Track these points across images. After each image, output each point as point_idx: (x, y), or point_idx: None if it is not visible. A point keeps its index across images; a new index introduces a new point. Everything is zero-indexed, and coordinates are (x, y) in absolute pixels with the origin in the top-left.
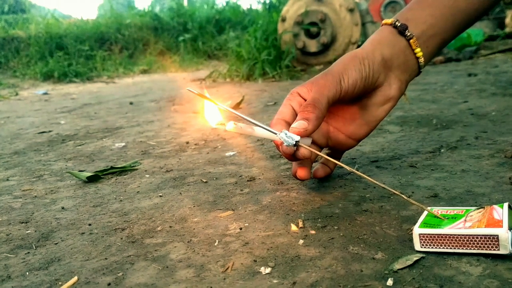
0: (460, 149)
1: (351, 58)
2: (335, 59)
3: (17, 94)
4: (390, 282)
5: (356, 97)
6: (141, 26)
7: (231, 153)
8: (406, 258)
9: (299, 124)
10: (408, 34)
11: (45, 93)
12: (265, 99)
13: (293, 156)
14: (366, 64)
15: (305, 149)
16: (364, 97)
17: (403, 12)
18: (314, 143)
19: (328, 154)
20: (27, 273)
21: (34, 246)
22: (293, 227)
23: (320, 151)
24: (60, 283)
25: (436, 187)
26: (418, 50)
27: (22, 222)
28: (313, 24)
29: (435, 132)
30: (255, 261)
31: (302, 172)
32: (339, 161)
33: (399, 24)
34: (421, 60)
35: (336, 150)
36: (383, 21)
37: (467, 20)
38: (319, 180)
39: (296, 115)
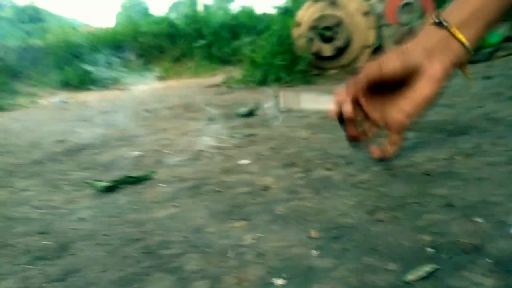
0: (476, 156)
1: (394, 50)
2: (349, 63)
3: (35, 103)
4: None
5: (400, 80)
6: (157, 33)
7: (245, 162)
8: (419, 269)
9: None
10: (445, 24)
11: (63, 101)
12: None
13: (339, 118)
14: (406, 53)
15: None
16: (411, 80)
17: (447, 7)
18: (369, 121)
19: (389, 138)
20: (45, 285)
21: (52, 257)
22: (307, 238)
23: (376, 128)
24: None
25: (450, 196)
26: (460, 36)
27: (41, 233)
28: (327, 28)
29: (450, 138)
30: (269, 272)
31: (350, 131)
32: (400, 142)
33: (437, 20)
34: (467, 43)
35: (391, 129)
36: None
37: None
38: (379, 161)
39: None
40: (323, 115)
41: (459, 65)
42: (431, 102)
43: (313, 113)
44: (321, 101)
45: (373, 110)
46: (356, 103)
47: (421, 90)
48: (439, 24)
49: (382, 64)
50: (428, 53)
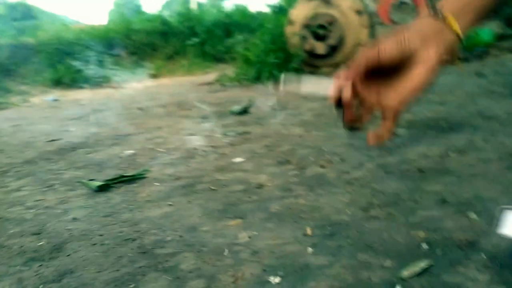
0: (469, 152)
1: (391, 36)
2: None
3: (27, 101)
4: None
5: (397, 64)
6: (150, 31)
7: (239, 160)
8: (415, 265)
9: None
10: (441, 15)
11: (55, 100)
12: (272, 103)
13: (337, 103)
14: (401, 36)
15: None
16: (407, 66)
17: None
18: (365, 106)
19: (383, 124)
20: (41, 286)
21: (47, 259)
22: (302, 235)
23: (371, 114)
24: None
25: (444, 192)
26: (455, 26)
27: (35, 234)
28: (321, 26)
29: (443, 135)
30: (264, 270)
31: (348, 116)
32: (394, 128)
33: (432, 11)
34: (460, 33)
35: (386, 115)
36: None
37: None
38: (375, 147)
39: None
40: (317, 112)
41: (451, 53)
42: (425, 87)
43: (313, 97)
44: (322, 85)
45: (369, 95)
46: (354, 88)
47: (417, 75)
48: (435, 14)
49: (380, 49)
50: (424, 40)
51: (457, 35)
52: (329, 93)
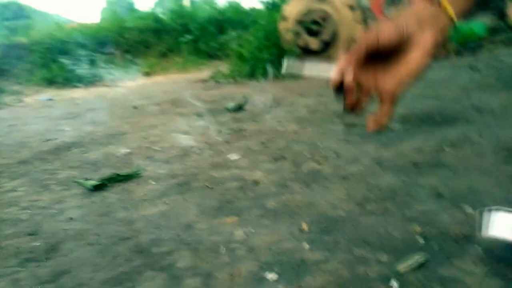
0: (463, 146)
1: (389, 20)
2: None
3: (21, 101)
4: (395, 284)
5: (394, 48)
6: (143, 28)
7: (235, 157)
8: (411, 260)
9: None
10: (437, 0)
11: (49, 99)
12: (267, 99)
13: (338, 87)
14: (399, 20)
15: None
16: (403, 49)
17: None
18: (363, 90)
19: (381, 108)
20: (36, 287)
21: (42, 259)
22: (298, 231)
23: (369, 98)
24: None
25: (439, 186)
26: (450, 11)
27: (31, 234)
28: (314, 22)
29: (437, 129)
30: (261, 267)
31: (349, 100)
32: (392, 112)
33: None
34: (454, 18)
35: (383, 99)
36: None
37: None
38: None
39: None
40: (312, 109)
41: (444, 37)
42: (422, 71)
43: (315, 80)
44: (324, 68)
45: (366, 80)
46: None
47: (414, 59)
48: (431, 0)
49: (379, 33)
50: (420, 24)
51: (451, 20)
52: (331, 76)
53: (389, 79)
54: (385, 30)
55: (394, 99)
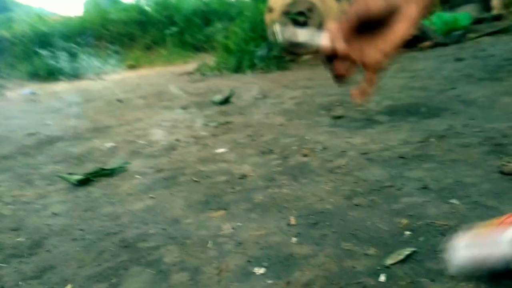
0: (449, 138)
1: None
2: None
3: (3, 95)
4: (382, 278)
5: (382, 19)
6: (127, 21)
7: (222, 150)
8: (398, 253)
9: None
10: None
11: (32, 93)
12: (254, 92)
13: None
14: None
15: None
16: (389, 20)
17: None
18: (350, 60)
19: (366, 78)
20: (21, 283)
21: (26, 254)
22: (286, 225)
23: (355, 67)
24: None
25: (426, 178)
26: None
27: (14, 230)
28: (300, 13)
29: (423, 121)
30: (249, 261)
31: (339, 69)
32: (377, 81)
33: None
34: None
35: (368, 68)
36: None
37: None
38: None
39: None
40: (299, 101)
41: (428, 8)
42: (405, 40)
43: (308, 45)
44: (316, 36)
45: (353, 50)
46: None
47: (399, 29)
48: None
49: (369, 2)
50: None
51: None
52: (322, 43)
53: (375, 49)
54: (374, 1)
55: (378, 68)
